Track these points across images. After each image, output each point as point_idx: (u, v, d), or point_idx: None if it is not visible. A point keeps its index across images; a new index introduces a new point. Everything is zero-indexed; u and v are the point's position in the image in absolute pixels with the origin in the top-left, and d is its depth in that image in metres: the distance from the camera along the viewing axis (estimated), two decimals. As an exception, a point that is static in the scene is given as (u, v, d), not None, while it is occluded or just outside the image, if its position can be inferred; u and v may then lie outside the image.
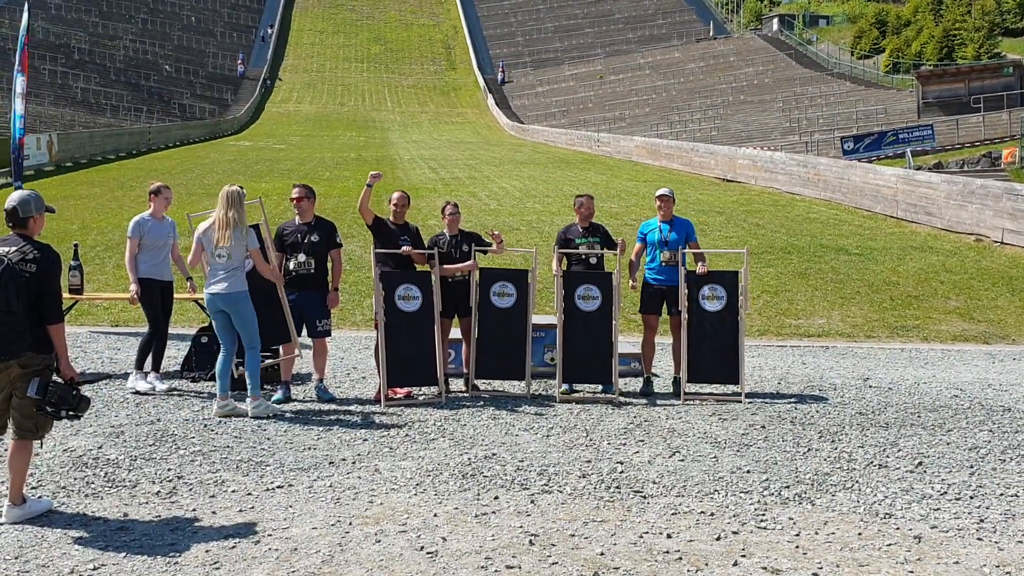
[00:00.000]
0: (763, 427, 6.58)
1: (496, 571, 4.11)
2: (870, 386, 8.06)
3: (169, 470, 5.42)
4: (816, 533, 4.61)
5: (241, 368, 7.02)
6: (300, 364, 7.92)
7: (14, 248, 4.57)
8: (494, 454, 5.83)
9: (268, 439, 6.10)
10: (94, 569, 4.09)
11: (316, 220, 7.44)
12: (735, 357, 7.47)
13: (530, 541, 4.44)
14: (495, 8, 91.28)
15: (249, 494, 5.03)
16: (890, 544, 4.48)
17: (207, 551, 4.28)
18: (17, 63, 13.79)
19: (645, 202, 7.44)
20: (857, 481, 5.40)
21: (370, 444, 6.02)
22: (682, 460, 5.78)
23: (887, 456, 5.91)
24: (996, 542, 4.53)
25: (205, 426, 6.37)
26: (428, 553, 4.29)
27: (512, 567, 4.15)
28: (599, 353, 7.43)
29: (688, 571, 4.16)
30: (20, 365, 4.54)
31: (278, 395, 7.14)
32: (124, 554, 4.25)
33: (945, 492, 5.23)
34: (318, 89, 75.52)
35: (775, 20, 75.55)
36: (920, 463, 5.76)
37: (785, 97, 52.12)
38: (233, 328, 6.69)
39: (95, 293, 10.48)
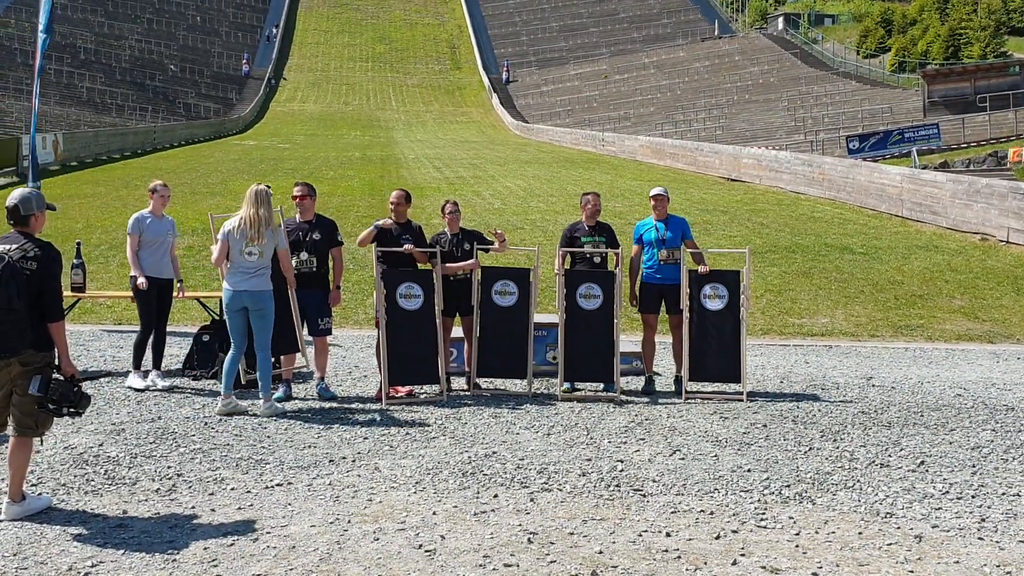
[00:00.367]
0: (764, 426, 6.56)
1: (494, 569, 4.11)
2: (873, 385, 8.03)
3: (169, 468, 5.42)
4: (816, 532, 4.60)
5: (251, 374, 7.03)
6: (300, 361, 7.91)
7: (15, 246, 4.57)
8: (494, 452, 5.82)
9: (268, 437, 6.10)
10: (92, 566, 4.10)
11: (317, 218, 7.44)
12: (737, 356, 7.46)
13: (529, 539, 4.43)
14: (500, 7, 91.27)
15: (248, 492, 5.03)
16: (891, 543, 4.46)
17: (205, 548, 4.28)
18: (39, 63, 13.73)
19: (649, 202, 7.42)
20: (858, 480, 5.38)
21: (370, 442, 6.02)
22: (683, 459, 5.76)
23: (889, 455, 5.89)
24: (997, 542, 4.51)
25: (206, 424, 6.38)
26: (426, 551, 4.28)
27: (510, 565, 4.14)
28: (601, 352, 7.42)
29: (687, 570, 4.14)
30: (21, 363, 4.55)
31: (279, 393, 7.14)
32: (123, 551, 4.25)
33: (947, 491, 5.21)
34: (323, 88, 75.61)
35: (780, 19, 75.42)
36: (922, 462, 5.74)
37: (790, 96, 52.01)
38: (247, 328, 6.69)
39: (97, 291, 10.50)
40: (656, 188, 7.98)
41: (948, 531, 4.63)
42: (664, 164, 33.70)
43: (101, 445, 5.82)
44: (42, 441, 4.87)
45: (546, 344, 8.11)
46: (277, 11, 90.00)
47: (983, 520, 4.77)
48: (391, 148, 41.08)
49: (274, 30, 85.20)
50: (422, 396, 7.36)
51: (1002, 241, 15.93)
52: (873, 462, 5.73)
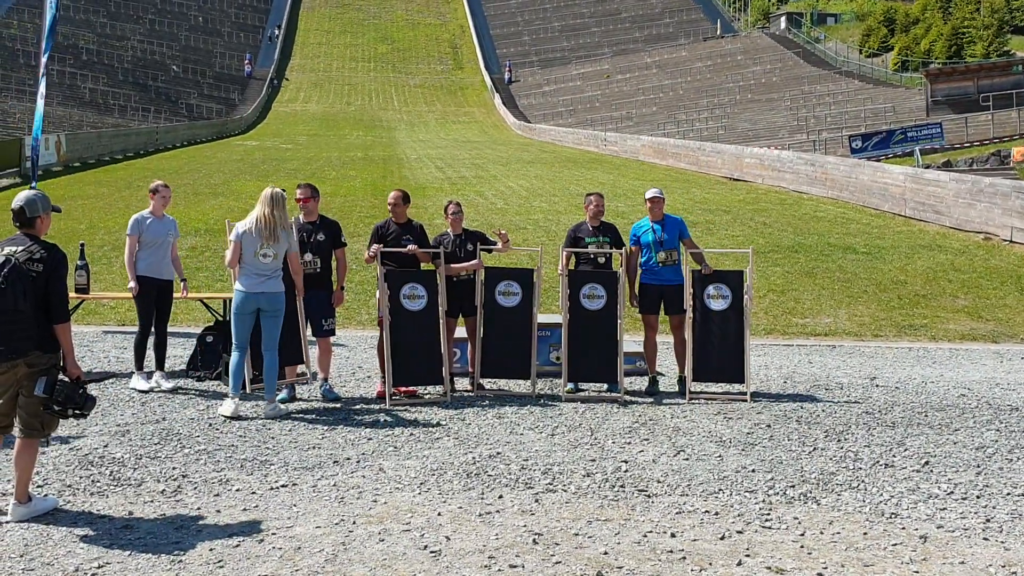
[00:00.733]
0: (768, 426, 6.56)
1: (499, 570, 4.11)
2: (877, 385, 8.03)
3: (174, 469, 5.43)
4: (821, 533, 4.60)
5: (257, 383, 7.04)
6: (301, 368, 7.91)
7: (21, 248, 4.59)
8: (499, 453, 5.82)
9: (273, 438, 6.10)
10: (99, 567, 4.10)
11: (321, 219, 7.45)
12: (740, 356, 7.46)
13: (534, 540, 4.43)
14: (502, 7, 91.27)
15: (253, 493, 5.04)
16: (896, 544, 4.46)
17: (211, 550, 4.29)
18: (44, 64, 13.71)
19: (645, 204, 7.39)
20: (863, 481, 5.38)
21: (375, 443, 6.02)
22: (687, 459, 5.76)
23: (893, 455, 5.89)
24: (1002, 542, 4.51)
25: (210, 425, 6.39)
26: (431, 552, 4.29)
27: (515, 566, 4.14)
28: (604, 352, 7.42)
29: (692, 571, 4.14)
30: (27, 364, 4.56)
31: (282, 394, 7.14)
32: (129, 552, 4.26)
33: (951, 492, 5.21)
34: (325, 89, 75.64)
35: (783, 18, 75.38)
36: (927, 462, 5.74)
37: (793, 96, 51.98)
38: (255, 330, 6.70)
39: (101, 292, 10.52)
40: (651, 190, 7.93)
41: (953, 531, 4.63)
42: (666, 164, 33.69)
43: (106, 446, 5.83)
44: (48, 442, 4.87)
45: (550, 344, 8.12)
46: (279, 11, 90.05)
47: (988, 520, 4.77)
48: (393, 148, 41.09)
49: (276, 30, 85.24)
50: (426, 397, 7.37)
51: (1005, 240, 15.91)
52: (877, 462, 5.73)
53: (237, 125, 57.00)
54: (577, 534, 4.52)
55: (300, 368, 7.36)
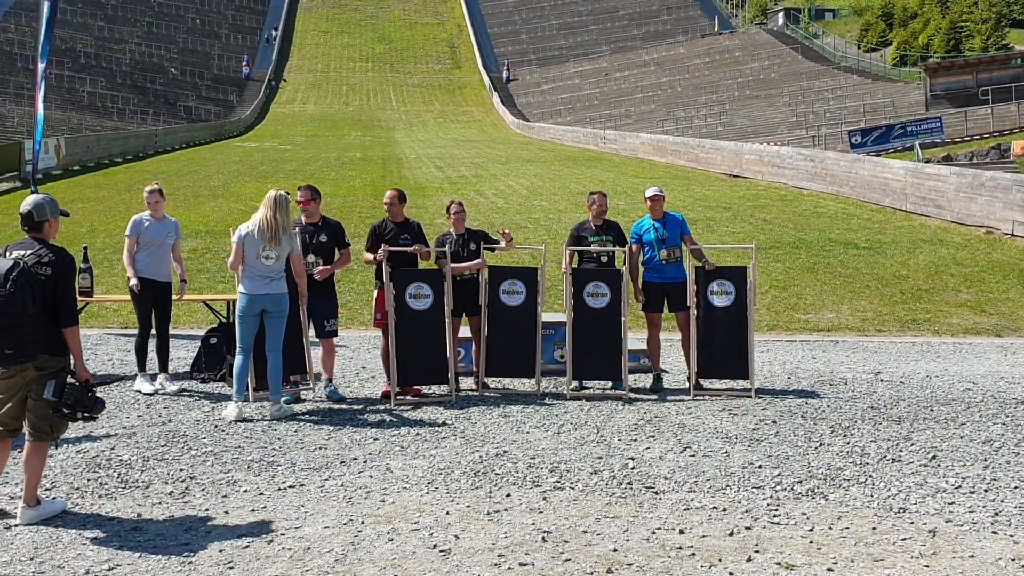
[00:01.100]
0: (774, 422, 6.57)
1: (509, 568, 4.11)
2: (881, 380, 8.03)
3: (181, 470, 5.43)
4: (830, 528, 4.60)
5: (262, 390, 7.04)
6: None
7: (29, 251, 4.61)
8: (505, 452, 5.83)
9: (279, 439, 6.11)
10: (109, 569, 4.11)
11: (323, 220, 7.44)
12: (745, 352, 7.46)
13: (543, 538, 4.43)
14: (499, 6, 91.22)
15: (261, 494, 5.04)
16: (905, 538, 4.46)
17: (221, 551, 4.29)
18: (42, 70, 13.67)
19: (645, 202, 7.39)
20: (870, 475, 5.39)
21: (381, 443, 6.02)
22: (693, 456, 5.77)
23: (900, 450, 5.89)
24: (1011, 535, 4.51)
25: (216, 427, 6.39)
26: (441, 551, 4.29)
27: (525, 564, 4.15)
28: (609, 350, 7.42)
29: (702, 567, 4.15)
30: (36, 367, 4.58)
31: (287, 396, 7.14)
32: (139, 554, 4.26)
33: (959, 486, 5.21)
34: (323, 89, 75.61)
35: (780, 14, 75.32)
36: (934, 457, 5.74)
37: (791, 91, 51.95)
38: (258, 333, 6.69)
39: (104, 295, 10.51)
40: (651, 188, 7.93)
41: (962, 525, 4.63)
42: (666, 161, 33.68)
43: (113, 449, 5.84)
44: (56, 445, 4.88)
45: (554, 343, 8.12)
46: (276, 13, 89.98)
47: (997, 514, 4.77)
48: (392, 148, 41.08)
49: (273, 32, 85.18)
50: (431, 396, 7.37)
51: (1007, 234, 15.91)
52: (884, 457, 5.73)
53: (236, 127, 56.98)
54: (586, 531, 4.52)
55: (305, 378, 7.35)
